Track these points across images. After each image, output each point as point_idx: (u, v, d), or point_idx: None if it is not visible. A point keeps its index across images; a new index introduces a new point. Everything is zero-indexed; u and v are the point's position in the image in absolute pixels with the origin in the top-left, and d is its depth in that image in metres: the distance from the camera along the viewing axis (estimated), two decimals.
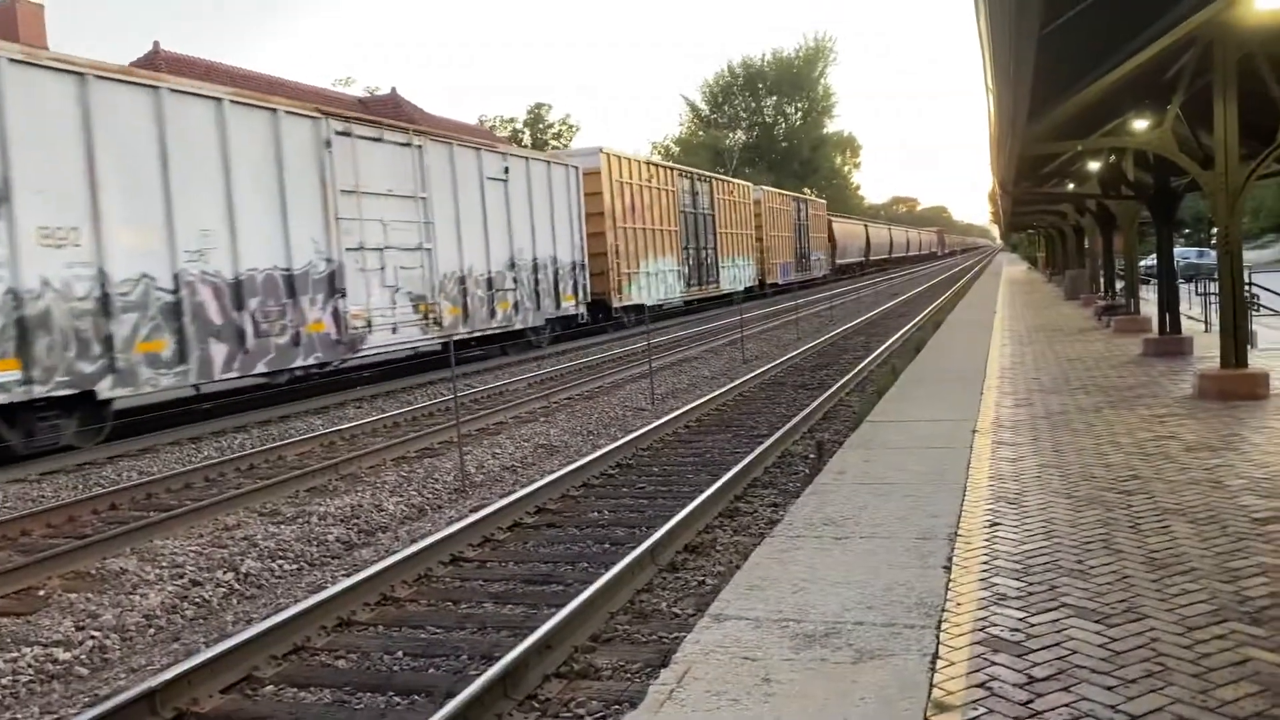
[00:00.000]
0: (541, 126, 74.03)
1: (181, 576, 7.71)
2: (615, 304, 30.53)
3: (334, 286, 18.10)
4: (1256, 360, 11.33)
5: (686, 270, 37.88)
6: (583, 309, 28.60)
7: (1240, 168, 10.23)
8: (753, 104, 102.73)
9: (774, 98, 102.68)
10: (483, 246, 23.24)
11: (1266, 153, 10.41)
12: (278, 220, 16.92)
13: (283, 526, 9.23)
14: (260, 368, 16.47)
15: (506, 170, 24.43)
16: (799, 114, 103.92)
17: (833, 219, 69.42)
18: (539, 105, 74.57)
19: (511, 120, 73.06)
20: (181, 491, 11.18)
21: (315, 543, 8.73)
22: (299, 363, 17.43)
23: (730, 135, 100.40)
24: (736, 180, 49.95)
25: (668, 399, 16.36)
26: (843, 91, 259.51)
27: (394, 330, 19.93)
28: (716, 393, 15.60)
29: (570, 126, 74.71)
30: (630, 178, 32.58)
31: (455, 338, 20.68)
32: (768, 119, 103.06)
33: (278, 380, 17.59)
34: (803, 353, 21.73)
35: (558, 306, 27.03)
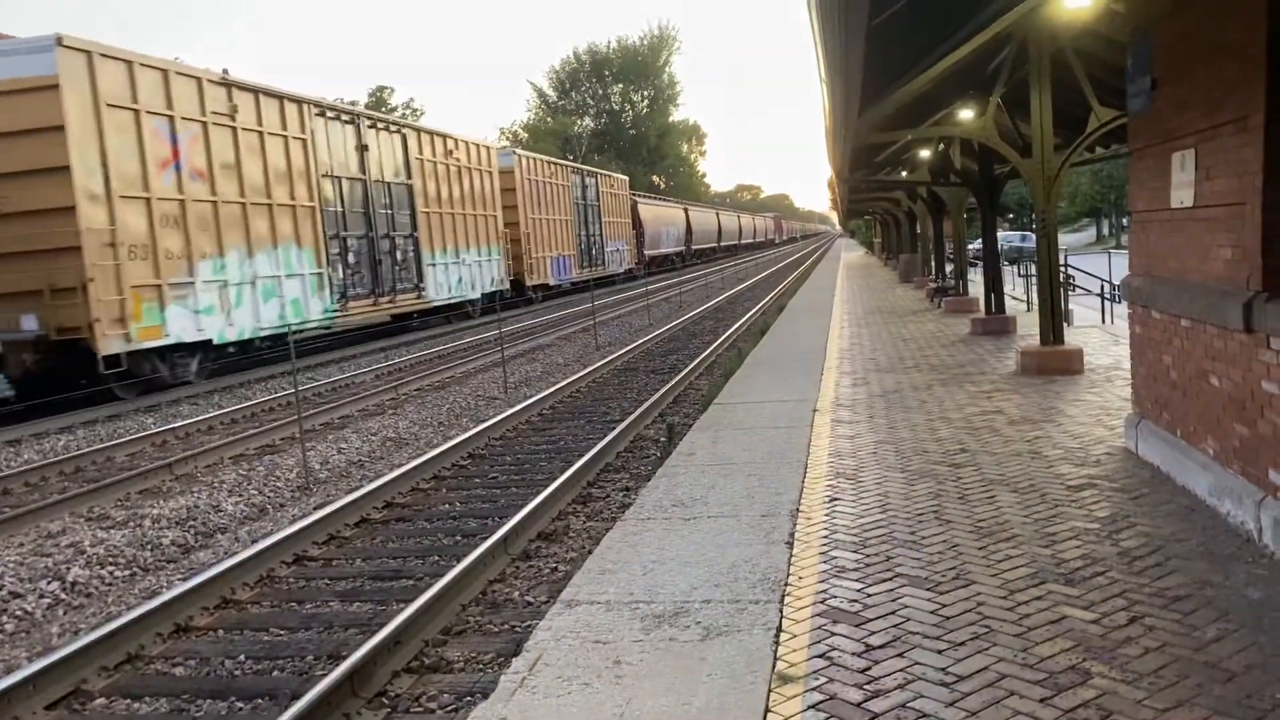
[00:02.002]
0: (384, 110, 72.06)
1: (0, 589, 7.22)
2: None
3: None
4: (1072, 337, 12.11)
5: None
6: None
7: (1055, 155, 10.89)
8: (600, 91, 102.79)
9: (621, 85, 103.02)
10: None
11: (1078, 141, 11.12)
12: None
13: (113, 531, 8.75)
14: None
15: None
16: (645, 102, 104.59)
17: (639, 200, 58.09)
18: (381, 89, 72.55)
19: (354, 103, 70.79)
20: None
21: (149, 547, 8.31)
22: None
23: (578, 122, 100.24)
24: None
25: (521, 387, 16.27)
26: (688, 81, 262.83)
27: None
28: (570, 379, 15.61)
29: (415, 111, 73.05)
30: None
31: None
32: (615, 106, 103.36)
33: None
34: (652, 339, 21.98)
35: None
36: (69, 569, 7.66)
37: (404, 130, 27.32)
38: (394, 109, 70.81)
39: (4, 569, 7.67)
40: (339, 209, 23.62)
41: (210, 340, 18.63)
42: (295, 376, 12.00)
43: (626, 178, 57.06)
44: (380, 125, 26.13)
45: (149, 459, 11.95)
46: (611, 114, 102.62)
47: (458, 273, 29.74)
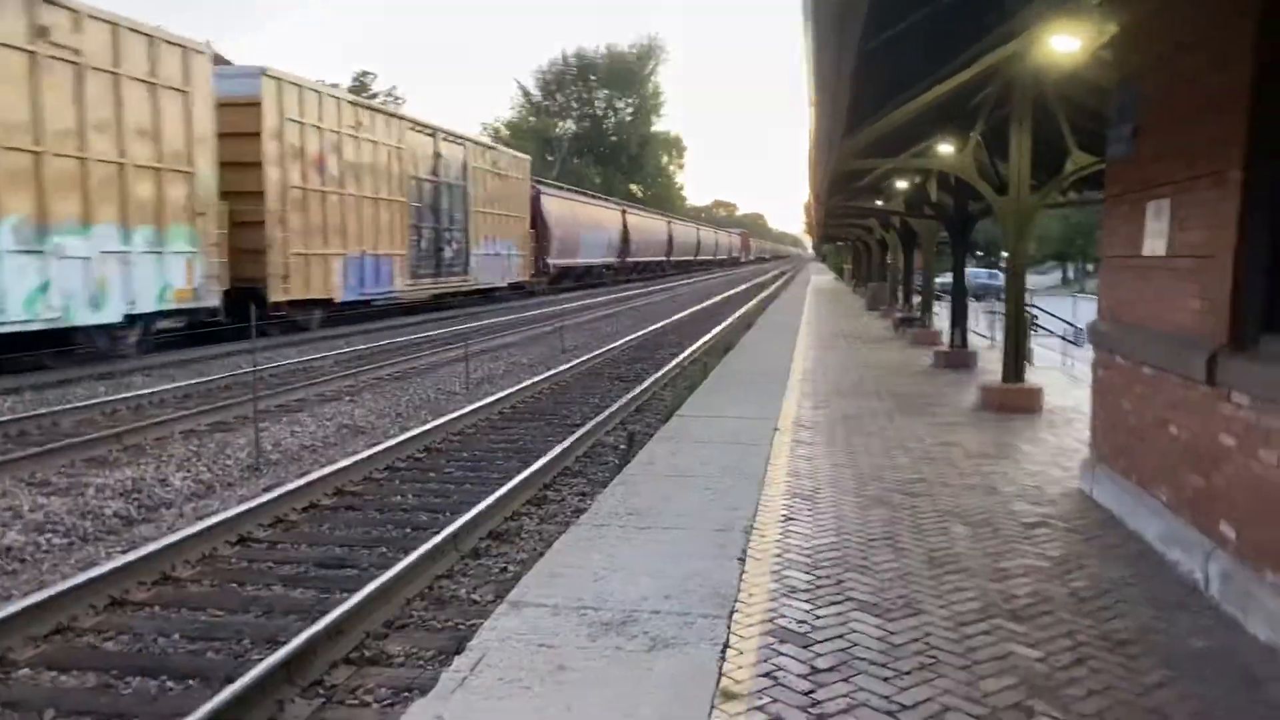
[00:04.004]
0: (366, 96, 71.52)
1: None
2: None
3: None
4: (1033, 377, 12.22)
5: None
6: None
7: (1031, 196, 11.01)
8: (584, 94, 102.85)
9: (606, 91, 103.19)
10: None
11: (1054, 183, 11.26)
12: None
13: (53, 498, 8.55)
14: None
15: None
16: (629, 109, 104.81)
17: (544, 190, 45.31)
18: (363, 74, 71.95)
19: (335, 86, 70.14)
20: None
21: (90, 516, 8.13)
22: None
23: (560, 123, 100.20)
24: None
25: (483, 384, 16.16)
26: (674, 94, 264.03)
27: None
28: (533, 380, 15.52)
29: (397, 99, 72.56)
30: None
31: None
32: (598, 111, 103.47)
33: None
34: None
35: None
36: (4, 533, 7.48)
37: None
38: (375, 95, 70.24)
39: None
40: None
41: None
42: (255, 355, 11.82)
43: (526, 157, 43.17)
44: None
45: (97, 427, 11.70)
46: (594, 119, 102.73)
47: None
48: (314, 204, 23.96)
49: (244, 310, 19.96)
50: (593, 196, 59.57)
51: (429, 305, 32.81)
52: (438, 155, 31.80)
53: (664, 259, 70.62)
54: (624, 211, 60.15)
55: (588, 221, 51.34)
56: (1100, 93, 8.60)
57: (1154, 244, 5.92)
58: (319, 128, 24.23)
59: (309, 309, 24.16)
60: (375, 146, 27.20)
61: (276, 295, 22.36)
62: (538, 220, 42.74)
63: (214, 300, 19.95)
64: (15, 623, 5.39)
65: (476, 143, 36.08)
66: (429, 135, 31.49)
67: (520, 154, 42.98)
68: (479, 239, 35.14)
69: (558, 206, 46.22)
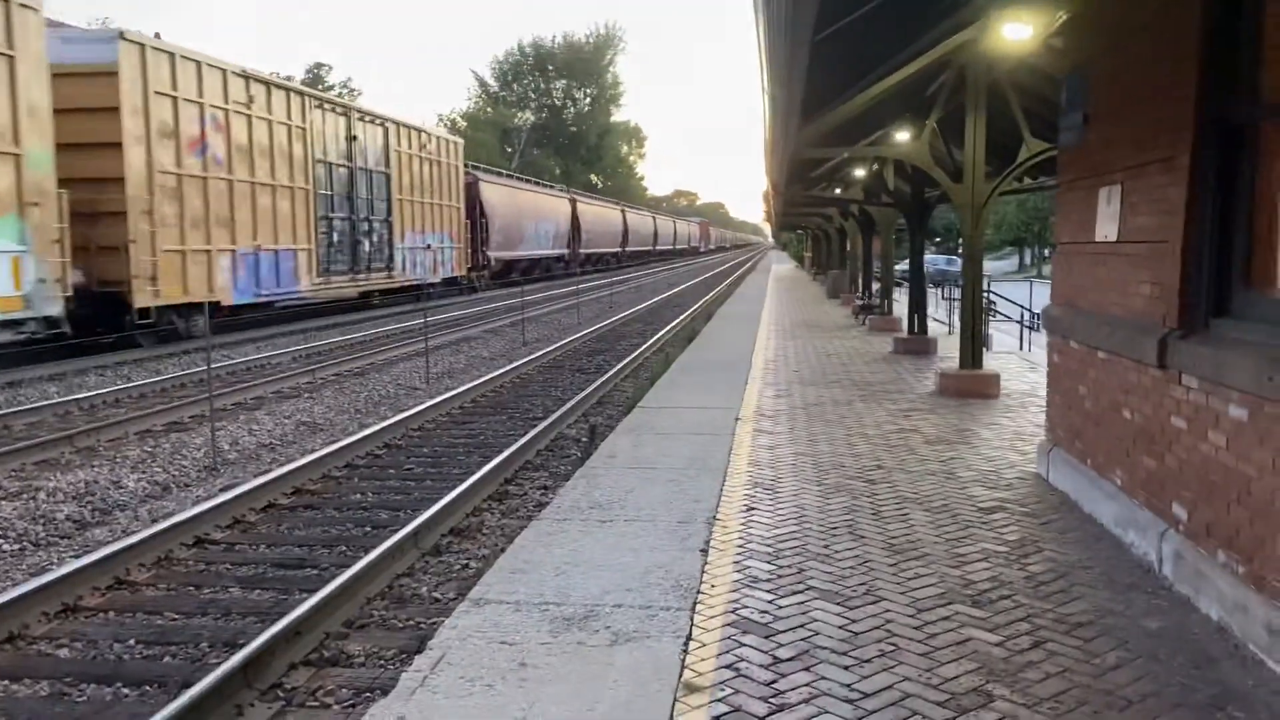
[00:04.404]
0: (320, 88, 70.72)
1: None
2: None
3: None
4: (990, 362, 12.35)
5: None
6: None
7: (986, 183, 11.11)
8: (542, 85, 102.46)
9: (564, 81, 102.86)
10: None
11: (1008, 170, 11.36)
12: None
13: (3, 503, 8.38)
14: None
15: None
16: (588, 99, 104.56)
17: (483, 177, 41.65)
18: (318, 65, 71.13)
19: (289, 79, 69.22)
20: None
21: (41, 521, 7.99)
22: None
23: (519, 115, 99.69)
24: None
25: (444, 378, 16.05)
26: (633, 84, 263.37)
27: None
28: (494, 374, 15.44)
29: (352, 91, 71.80)
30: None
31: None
32: (557, 101, 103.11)
33: None
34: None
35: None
36: None
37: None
38: (330, 88, 69.45)
39: None
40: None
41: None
42: (209, 353, 11.65)
43: (459, 140, 38.70)
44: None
45: (49, 429, 11.48)
46: (553, 109, 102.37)
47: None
48: (192, 192, 20.41)
49: (113, 319, 18.25)
50: (539, 184, 55.26)
51: (351, 306, 29.65)
52: (352, 137, 28.16)
53: (618, 250, 67.02)
54: (574, 200, 56.52)
55: (533, 211, 47.40)
56: (1053, 80, 8.68)
57: (1106, 229, 5.99)
58: (198, 103, 20.63)
59: (191, 314, 20.41)
60: (273, 126, 23.67)
61: (144, 300, 18.90)
62: (476, 210, 38.92)
63: (53, 309, 16.25)
64: None
65: (401, 124, 31.90)
66: (341, 114, 27.96)
67: (453, 136, 38.52)
68: (405, 230, 31.65)
69: (498, 194, 42.49)
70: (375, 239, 29.77)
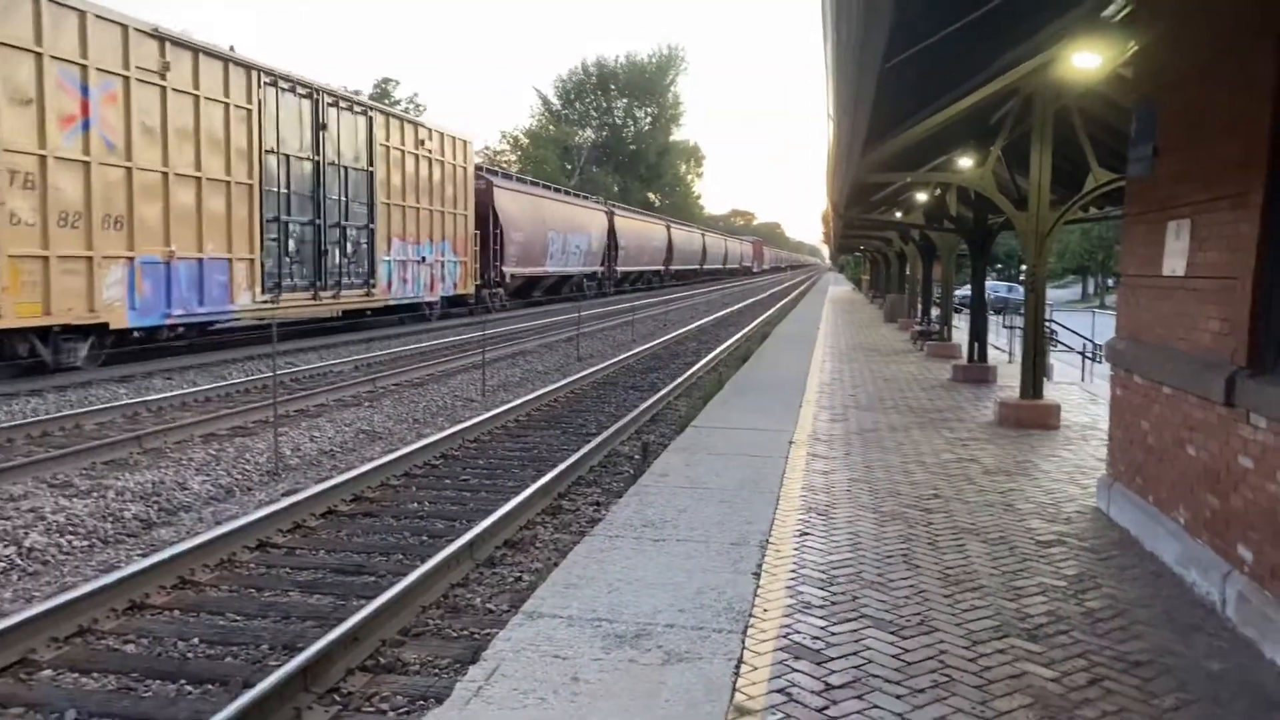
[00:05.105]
0: (388, 103, 72.03)
1: None
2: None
3: None
4: (1051, 393, 12.18)
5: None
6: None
7: (1050, 211, 10.99)
8: (604, 104, 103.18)
9: (625, 100, 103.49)
10: None
11: (1074, 200, 11.22)
12: None
13: (75, 500, 8.64)
14: None
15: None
16: (648, 119, 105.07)
17: (497, 183, 35.10)
18: (386, 80, 72.37)
19: (357, 93, 70.55)
20: None
21: (110, 519, 8.22)
22: None
23: (580, 132, 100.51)
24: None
25: (499, 391, 16.22)
26: (694, 104, 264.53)
27: None
28: (549, 388, 15.57)
29: (419, 105, 72.93)
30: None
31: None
32: (618, 120, 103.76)
33: None
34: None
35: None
36: (27, 534, 7.55)
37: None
38: (397, 103, 70.62)
39: None
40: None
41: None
42: (275, 360, 11.91)
43: (468, 138, 32.00)
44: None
45: (118, 430, 11.83)
46: (613, 127, 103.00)
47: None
48: (65, 181, 15.45)
49: None
50: (570, 193, 47.67)
51: (308, 328, 24.53)
52: (320, 125, 22.96)
53: (660, 268, 60.87)
54: (610, 213, 49.90)
55: (561, 222, 41.04)
56: (1122, 110, 8.59)
57: (1174, 264, 5.91)
58: (79, 64, 15.70)
59: (71, 339, 16.00)
60: (200, 103, 18.65)
61: None
62: (489, 219, 33.41)
63: None
64: (38, 624, 5.46)
65: (391, 114, 27.15)
66: (304, 96, 22.42)
67: (461, 133, 31.40)
68: (393, 239, 26.39)
69: (516, 203, 36.50)
70: (350, 249, 24.47)
